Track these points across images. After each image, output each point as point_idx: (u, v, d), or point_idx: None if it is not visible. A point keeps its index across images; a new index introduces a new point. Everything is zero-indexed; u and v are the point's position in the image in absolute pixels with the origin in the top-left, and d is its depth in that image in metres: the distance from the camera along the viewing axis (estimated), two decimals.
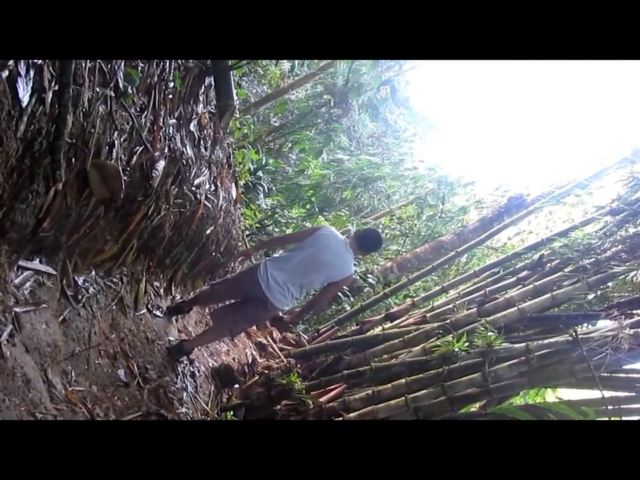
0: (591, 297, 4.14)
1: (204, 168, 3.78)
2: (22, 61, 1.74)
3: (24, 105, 1.77)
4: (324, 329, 6.08)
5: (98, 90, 2.23)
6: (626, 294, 4.10)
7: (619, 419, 3.48)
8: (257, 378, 4.39)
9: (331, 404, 3.93)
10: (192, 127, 3.52)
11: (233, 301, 3.85)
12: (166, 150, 3.02)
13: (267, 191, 7.72)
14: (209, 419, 3.52)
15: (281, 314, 3.97)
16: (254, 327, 5.72)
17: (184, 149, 3.30)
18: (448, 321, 4.50)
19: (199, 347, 4.09)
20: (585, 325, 4.25)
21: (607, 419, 3.06)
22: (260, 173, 7.70)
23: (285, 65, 9.80)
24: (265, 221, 8.28)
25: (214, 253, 4.59)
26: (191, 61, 3.47)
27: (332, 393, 4.11)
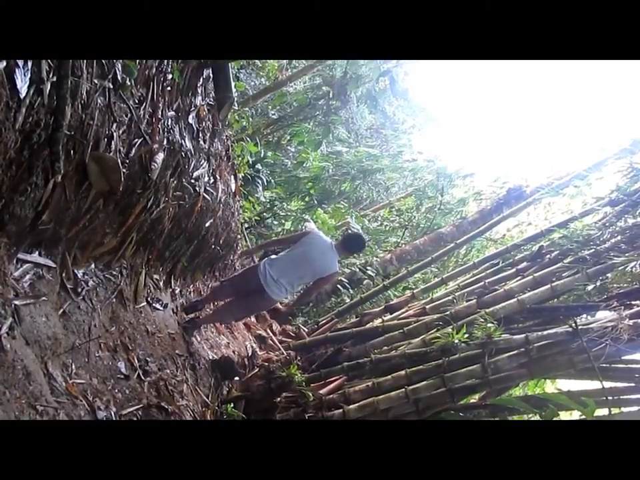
0: (590, 287, 4.14)
1: (203, 160, 3.77)
2: None
3: (22, 96, 1.75)
4: (324, 321, 6.10)
5: (96, 82, 2.20)
6: (625, 285, 4.10)
7: (618, 409, 3.50)
8: (257, 370, 4.41)
9: (331, 396, 3.94)
10: (190, 120, 3.50)
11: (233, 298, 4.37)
12: (165, 142, 3.00)
13: (265, 183, 7.72)
14: (209, 411, 3.52)
15: (279, 305, 4.62)
16: (253, 320, 5.77)
17: (183, 141, 3.29)
18: (447, 312, 4.51)
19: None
20: (585, 315, 4.26)
21: (606, 409, 3.07)
22: (259, 166, 7.69)
23: None
24: (264, 214, 8.28)
25: (213, 246, 4.59)
26: None
27: (332, 385, 4.12)
